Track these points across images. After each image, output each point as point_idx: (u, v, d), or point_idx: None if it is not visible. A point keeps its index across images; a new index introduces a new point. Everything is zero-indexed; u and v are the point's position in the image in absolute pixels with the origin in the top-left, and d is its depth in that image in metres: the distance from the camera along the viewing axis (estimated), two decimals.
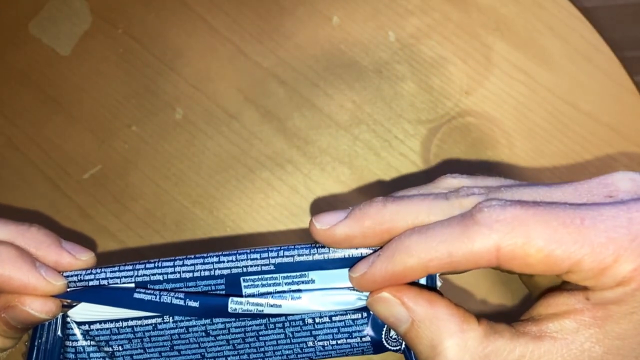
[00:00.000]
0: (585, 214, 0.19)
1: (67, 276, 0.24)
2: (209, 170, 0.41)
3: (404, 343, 0.24)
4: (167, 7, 0.43)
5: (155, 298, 0.24)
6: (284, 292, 0.24)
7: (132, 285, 0.24)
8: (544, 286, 0.23)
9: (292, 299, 0.24)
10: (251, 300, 0.24)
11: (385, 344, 0.24)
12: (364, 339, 0.24)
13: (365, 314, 0.24)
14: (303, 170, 0.41)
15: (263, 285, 0.24)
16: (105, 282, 0.24)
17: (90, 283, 0.24)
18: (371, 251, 0.23)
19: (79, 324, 0.25)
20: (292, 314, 0.24)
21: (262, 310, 0.24)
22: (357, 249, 0.23)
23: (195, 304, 0.24)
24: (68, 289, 0.24)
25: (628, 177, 0.21)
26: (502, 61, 0.41)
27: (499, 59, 0.42)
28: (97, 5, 0.44)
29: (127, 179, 0.41)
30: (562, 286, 0.22)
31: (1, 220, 0.25)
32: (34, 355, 0.25)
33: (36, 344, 0.25)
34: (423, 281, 0.23)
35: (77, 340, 0.25)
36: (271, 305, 0.24)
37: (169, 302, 0.24)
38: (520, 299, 0.37)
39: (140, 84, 0.42)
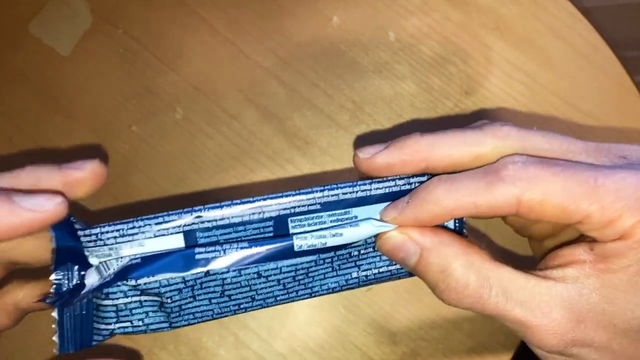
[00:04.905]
0: (599, 174, 0.21)
1: (109, 232, 0.23)
2: (209, 170, 0.41)
3: None
4: (168, 7, 0.43)
5: (220, 253, 0.23)
6: (334, 226, 0.24)
7: (181, 235, 0.23)
8: (548, 248, 0.25)
9: (350, 226, 0.24)
10: (315, 233, 0.24)
11: None
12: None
13: None
14: (303, 170, 0.41)
15: (309, 225, 0.24)
16: (151, 234, 0.23)
17: (135, 237, 0.23)
18: (407, 186, 0.24)
19: (126, 279, 0.23)
20: (351, 243, 0.24)
21: (326, 243, 0.24)
22: (395, 182, 0.24)
23: (262, 249, 0.23)
24: (130, 261, 0.23)
25: None
26: (502, 61, 0.41)
27: (499, 59, 0.42)
28: (97, 5, 0.44)
29: (127, 179, 0.41)
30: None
31: None
32: (66, 324, 0.23)
33: (64, 317, 0.23)
34: (451, 225, 0.25)
35: (117, 298, 0.23)
36: (333, 235, 0.24)
37: (236, 252, 0.23)
38: None
39: (141, 84, 0.42)
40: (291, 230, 0.24)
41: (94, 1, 0.44)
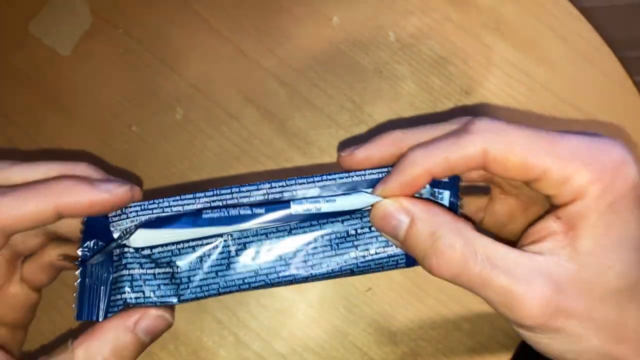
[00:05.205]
0: (557, 135, 0.23)
1: (132, 206, 0.26)
2: (209, 170, 0.41)
3: None
4: (168, 8, 0.43)
5: (224, 214, 0.26)
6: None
7: (194, 208, 0.26)
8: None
9: (343, 194, 0.26)
10: (310, 199, 0.26)
11: None
12: (398, 248, 0.27)
13: None
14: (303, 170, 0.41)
15: (307, 199, 0.27)
16: (169, 210, 0.26)
17: (155, 211, 0.26)
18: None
19: (140, 249, 0.26)
20: (345, 212, 0.26)
21: (320, 209, 0.26)
22: (388, 170, 0.26)
23: (262, 211, 0.26)
24: (147, 218, 0.26)
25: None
26: (502, 61, 0.42)
27: (499, 59, 0.42)
28: (97, 6, 0.44)
29: (127, 178, 0.41)
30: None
31: (50, 161, 0.26)
32: (86, 292, 0.26)
33: (86, 282, 0.26)
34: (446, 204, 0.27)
35: (133, 269, 0.26)
36: (327, 201, 0.26)
37: (237, 214, 0.26)
38: None
39: (141, 84, 0.42)
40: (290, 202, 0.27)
41: (94, 1, 0.44)
